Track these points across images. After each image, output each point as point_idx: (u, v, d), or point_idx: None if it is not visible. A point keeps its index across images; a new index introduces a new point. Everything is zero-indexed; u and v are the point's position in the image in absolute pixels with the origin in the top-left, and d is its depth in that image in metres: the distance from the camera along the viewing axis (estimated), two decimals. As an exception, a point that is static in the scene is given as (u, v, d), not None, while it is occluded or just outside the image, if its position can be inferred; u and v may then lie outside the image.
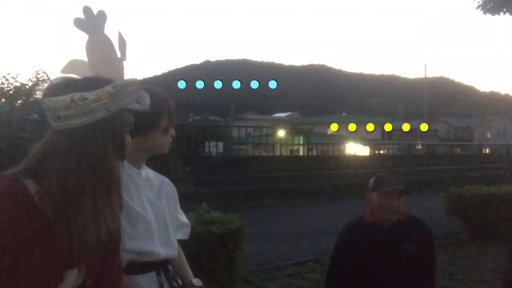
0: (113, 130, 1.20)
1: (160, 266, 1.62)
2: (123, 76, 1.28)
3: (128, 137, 1.28)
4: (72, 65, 1.27)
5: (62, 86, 1.17)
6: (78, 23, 1.25)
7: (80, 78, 1.23)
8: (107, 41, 1.27)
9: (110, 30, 1.28)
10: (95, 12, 1.25)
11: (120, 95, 1.20)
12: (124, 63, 1.30)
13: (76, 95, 1.13)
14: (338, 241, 2.68)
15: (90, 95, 1.15)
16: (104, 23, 1.26)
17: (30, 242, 1.10)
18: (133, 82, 1.25)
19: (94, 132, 1.16)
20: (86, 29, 1.25)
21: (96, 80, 1.20)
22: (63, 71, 1.26)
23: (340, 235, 2.69)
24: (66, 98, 1.13)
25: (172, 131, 1.70)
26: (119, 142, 1.22)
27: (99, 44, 1.26)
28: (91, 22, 1.24)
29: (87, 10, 1.24)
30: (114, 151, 1.20)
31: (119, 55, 1.28)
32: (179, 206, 1.82)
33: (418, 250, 2.51)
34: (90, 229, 1.15)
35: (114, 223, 1.24)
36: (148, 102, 1.36)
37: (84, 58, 1.28)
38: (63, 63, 1.29)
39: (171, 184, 1.80)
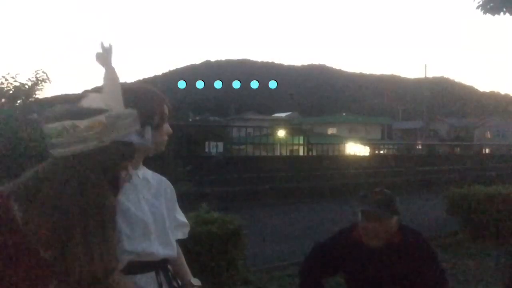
0: (106, 162, 1.16)
1: (159, 266, 1.62)
2: (122, 106, 1.27)
3: (125, 173, 1.24)
4: (84, 95, 1.30)
5: (57, 114, 1.17)
6: (98, 57, 1.32)
7: (77, 107, 1.23)
8: (114, 73, 1.36)
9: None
10: (106, 45, 1.35)
11: (115, 126, 1.17)
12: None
13: (68, 123, 1.13)
14: (314, 249, 2.54)
15: (82, 123, 1.14)
16: (111, 54, 1.32)
17: (8, 265, 1.07)
18: (130, 114, 1.23)
19: (86, 162, 1.14)
20: (103, 63, 1.34)
21: (89, 109, 1.19)
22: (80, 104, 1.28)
23: (321, 245, 2.54)
24: (59, 125, 1.13)
25: (168, 129, 1.68)
26: (112, 175, 1.18)
27: (111, 77, 1.30)
28: (106, 56, 1.30)
29: (102, 45, 1.33)
30: (107, 183, 1.17)
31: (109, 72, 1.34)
32: (177, 205, 1.82)
33: (414, 270, 2.33)
34: (81, 266, 1.11)
35: (111, 261, 1.19)
36: (150, 134, 1.36)
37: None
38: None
39: (169, 183, 1.79)
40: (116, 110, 1.23)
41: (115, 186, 1.21)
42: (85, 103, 1.26)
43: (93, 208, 1.13)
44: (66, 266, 1.10)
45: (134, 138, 1.25)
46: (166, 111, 1.68)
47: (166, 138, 1.69)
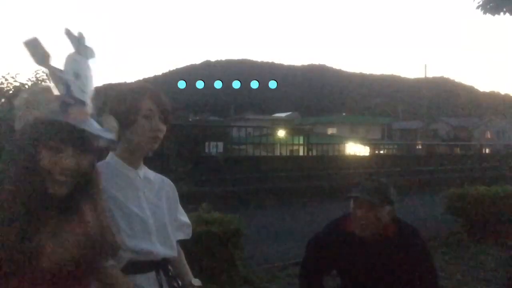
0: (29, 140, 1.16)
1: (160, 266, 1.62)
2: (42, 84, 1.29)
3: (64, 158, 1.18)
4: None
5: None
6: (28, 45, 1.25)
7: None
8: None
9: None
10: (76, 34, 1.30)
11: (33, 102, 1.18)
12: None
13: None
14: (312, 244, 2.49)
15: (16, 101, 1.19)
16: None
17: None
18: (45, 89, 1.22)
19: (17, 140, 1.17)
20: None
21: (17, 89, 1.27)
22: None
23: (314, 243, 2.49)
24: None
25: (156, 125, 1.60)
26: (29, 154, 1.16)
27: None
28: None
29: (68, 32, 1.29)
30: (24, 167, 1.15)
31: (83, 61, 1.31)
32: (179, 206, 1.82)
33: (407, 265, 2.22)
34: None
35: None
36: (110, 124, 1.34)
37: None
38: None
39: (171, 184, 1.79)
40: (36, 87, 1.28)
41: (31, 165, 1.16)
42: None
43: (22, 195, 1.13)
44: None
45: (58, 117, 1.19)
46: (150, 106, 1.59)
47: (152, 134, 1.60)
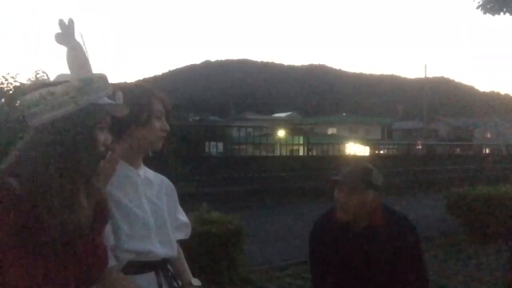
0: (82, 124, 1.22)
1: (159, 266, 1.62)
2: (91, 72, 1.30)
3: (104, 135, 1.28)
4: (58, 78, 1.30)
5: (32, 85, 1.25)
6: (57, 37, 1.28)
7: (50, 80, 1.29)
8: (78, 45, 1.30)
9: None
10: (66, 23, 1.28)
11: (88, 88, 1.23)
12: (89, 58, 1.32)
13: (44, 90, 1.18)
14: (309, 244, 2.39)
15: (57, 89, 1.19)
16: (74, 29, 1.29)
17: (15, 241, 1.12)
18: (101, 77, 1.28)
19: (64, 126, 1.19)
20: (64, 42, 1.29)
21: (63, 76, 1.26)
22: None
23: (309, 238, 2.39)
24: (35, 94, 1.18)
25: (164, 125, 1.66)
26: (89, 137, 1.24)
27: (73, 51, 1.29)
28: (66, 34, 1.28)
29: (62, 23, 1.27)
30: (84, 145, 1.22)
31: (87, 54, 1.31)
32: (179, 206, 1.82)
33: (398, 255, 2.15)
34: (68, 219, 1.18)
35: (86, 210, 1.25)
36: (121, 100, 1.38)
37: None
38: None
39: (171, 184, 1.79)
40: (87, 74, 1.27)
41: (92, 147, 1.25)
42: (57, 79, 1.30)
43: (71, 164, 1.20)
44: (55, 224, 1.16)
45: (106, 100, 1.29)
46: (160, 107, 1.65)
47: (161, 134, 1.66)
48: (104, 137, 1.29)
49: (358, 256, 2.20)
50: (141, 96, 1.61)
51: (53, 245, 1.17)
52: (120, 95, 1.38)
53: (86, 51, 1.30)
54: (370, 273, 2.20)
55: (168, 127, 1.67)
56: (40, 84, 1.24)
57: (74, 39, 1.29)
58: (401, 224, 2.24)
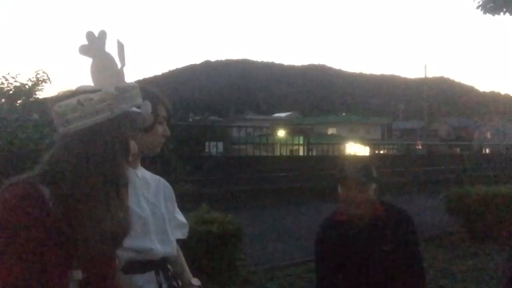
0: (117, 131, 1.23)
1: (159, 265, 1.62)
2: (123, 81, 1.30)
3: (133, 143, 1.29)
4: (79, 89, 1.31)
5: (69, 93, 1.23)
6: (83, 49, 1.28)
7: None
8: (108, 56, 1.30)
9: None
10: (96, 34, 1.28)
11: (123, 97, 1.24)
12: (124, 68, 1.32)
13: (82, 97, 1.18)
14: (315, 248, 2.45)
15: (95, 96, 1.20)
16: (105, 41, 1.29)
17: (43, 247, 1.12)
18: (134, 87, 1.30)
19: (100, 133, 1.19)
20: (91, 54, 1.28)
21: (84, 88, 1.26)
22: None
23: (315, 241, 2.46)
24: (73, 100, 1.18)
25: (165, 130, 1.67)
26: (124, 144, 1.25)
27: (102, 63, 1.28)
28: (95, 45, 1.27)
29: (90, 35, 1.26)
30: (122, 154, 1.23)
31: (119, 65, 1.30)
32: (176, 205, 1.82)
33: (398, 246, 2.27)
34: (104, 226, 1.17)
35: (126, 220, 1.26)
36: (149, 110, 1.39)
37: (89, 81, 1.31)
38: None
39: (167, 184, 1.80)
40: (122, 83, 1.28)
41: (126, 154, 1.26)
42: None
43: (110, 171, 1.20)
44: (84, 237, 1.15)
45: (137, 110, 1.30)
46: (163, 113, 1.67)
47: (161, 139, 1.68)
48: (132, 146, 1.30)
49: (365, 250, 2.28)
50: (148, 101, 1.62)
51: (84, 256, 1.17)
52: (148, 104, 1.38)
53: (120, 61, 1.30)
54: (368, 264, 2.28)
55: (169, 132, 1.68)
56: (75, 92, 1.24)
57: (104, 51, 1.29)
58: (399, 213, 2.38)
